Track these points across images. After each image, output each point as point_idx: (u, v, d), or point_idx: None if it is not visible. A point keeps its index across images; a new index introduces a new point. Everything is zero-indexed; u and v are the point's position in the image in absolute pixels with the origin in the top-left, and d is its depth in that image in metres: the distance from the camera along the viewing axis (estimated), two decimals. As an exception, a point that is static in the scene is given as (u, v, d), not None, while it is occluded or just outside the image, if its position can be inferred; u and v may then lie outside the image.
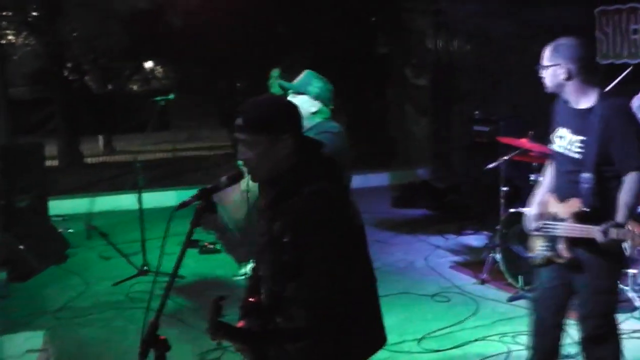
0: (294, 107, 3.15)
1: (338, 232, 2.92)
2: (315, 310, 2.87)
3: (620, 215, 4.13)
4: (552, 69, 4.34)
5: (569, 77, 4.29)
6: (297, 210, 2.91)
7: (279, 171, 3.01)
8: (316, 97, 4.66)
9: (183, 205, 2.99)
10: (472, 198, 10.35)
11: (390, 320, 6.36)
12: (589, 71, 4.32)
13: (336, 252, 2.91)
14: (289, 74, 8.68)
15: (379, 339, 3.27)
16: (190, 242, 2.88)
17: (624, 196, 4.15)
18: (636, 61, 8.74)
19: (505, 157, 7.53)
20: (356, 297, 3.05)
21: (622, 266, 4.55)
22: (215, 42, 14.54)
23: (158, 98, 8.43)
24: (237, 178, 3.10)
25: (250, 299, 3.15)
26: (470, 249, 8.95)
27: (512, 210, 7.39)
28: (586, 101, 4.32)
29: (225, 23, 13.74)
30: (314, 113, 4.64)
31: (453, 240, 9.45)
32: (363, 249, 3.19)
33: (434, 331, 6.31)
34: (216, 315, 2.83)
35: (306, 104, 4.58)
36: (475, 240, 9.30)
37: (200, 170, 14.69)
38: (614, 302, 4.58)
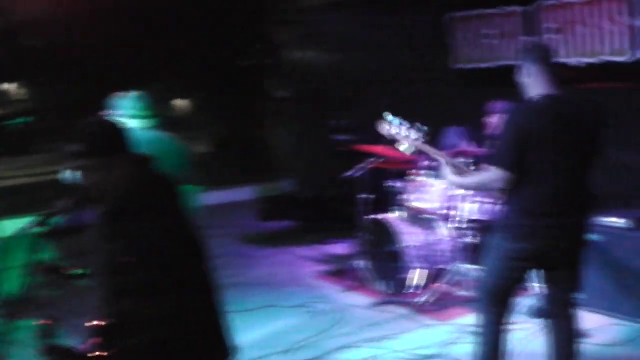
0: (121, 126, 3.12)
1: (172, 250, 2.89)
2: (149, 327, 2.82)
3: (456, 180, 4.87)
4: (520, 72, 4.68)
5: (526, 76, 4.62)
6: (139, 229, 2.87)
7: (119, 190, 2.95)
8: (122, 114, 5.31)
9: (22, 231, 2.91)
10: (337, 207, 10.41)
11: (256, 333, 6.41)
12: (532, 68, 4.59)
13: (172, 269, 2.87)
14: (156, 93, 8.60)
15: (216, 354, 3.23)
16: (49, 268, 2.82)
17: (474, 175, 4.76)
18: (487, 65, 9.00)
19: (362, 165, 7.61)
20: (190, 313, 3.01)
21: (518, 245, 4.54)
22: (78, 62, 14.23)
23: (15, 121, 8.18)
24: (77, 202, 3.04)
25: (94, 322, 3.07)
26: (335, 258, 8.97)
27: (374, 216, 7.49)
28: None
29: (88, 43, 13.45)
30: None
31: (319, 249, 9.47)
32: (199, 265, 3.15)
33: (300, 341, 6.28)
34: (47, 337, 2.75)
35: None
36: (340, 248, 9.32)
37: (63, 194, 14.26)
38: (486, 282, 4.77)
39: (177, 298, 2.88)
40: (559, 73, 4.60)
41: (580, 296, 4.88)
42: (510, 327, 4.86)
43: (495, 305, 4.72)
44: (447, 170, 4.92)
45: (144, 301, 2.84)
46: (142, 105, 5.43)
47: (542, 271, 4.77)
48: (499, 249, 4.62)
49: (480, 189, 5.51)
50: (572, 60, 7.87)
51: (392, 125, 5.32)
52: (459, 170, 4.94)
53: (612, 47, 7.58)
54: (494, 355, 4.74)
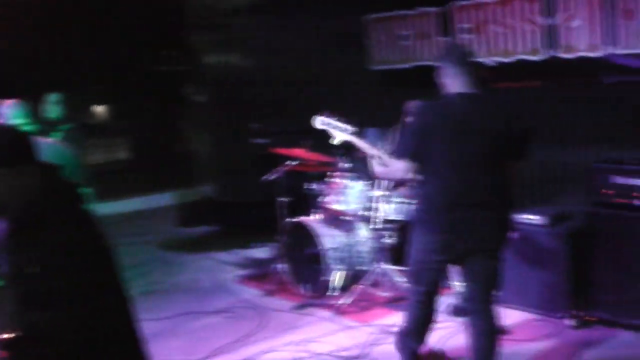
0: (29, 136, 3.05)
1: (80, 259, 2.83)
2: (58, 338, 2.75)
3: (382, 171, 5.10)
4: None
5: (444, 77, 4.73)
6: (46, 239, 2.79)
7: (24, 200, 2.88)
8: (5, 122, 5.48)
9: None
10: (257, 211, 10.35)
11: (177, 341, 6.33)
12: (451, 69, 4.69)
13: (81, 278, 2.80)
14: (72, 97, 8.47)
15: None
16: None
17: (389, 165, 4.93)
18: (403, 66, 9.05)
19: (280, 168, 7.58)
20: (100, 322, 2.94)
21: (427, 237, 4.68)
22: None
23: None
24: None
25: (4, 336, 2.97)
26: (257, 262, 8.90)
27: (293, 219, 7.46)
28: None
29: (3, 49, 13.13)
30: None
31: (240, 254, 9.38)
32: (108, 272, 3.09)
33: (222, 347, 6.21)
34: None
35: None
36: (261, 252, 9.27)
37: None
38: (411, 271, 4.89)
39: (86, 307, 2.82)
40: (478, 73, 4.67)
41: (500, 293, 4.92)
42: (434, 324, 4.94)
43: (421, 288, 4.86)
44: (376, 163, 5.10)
45: (53, 311, 2.76)
46: (23, 113, 5.62)
47: (461, 268, 4.81)
48: (416, 242, 4.76)
49: (391, 177, 5.95)
50: (486, 60, 7.95)
51: (326, 119, 5.70)
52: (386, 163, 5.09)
53: (526, 46, 7.68)
54: (419, 328, 4.94)
